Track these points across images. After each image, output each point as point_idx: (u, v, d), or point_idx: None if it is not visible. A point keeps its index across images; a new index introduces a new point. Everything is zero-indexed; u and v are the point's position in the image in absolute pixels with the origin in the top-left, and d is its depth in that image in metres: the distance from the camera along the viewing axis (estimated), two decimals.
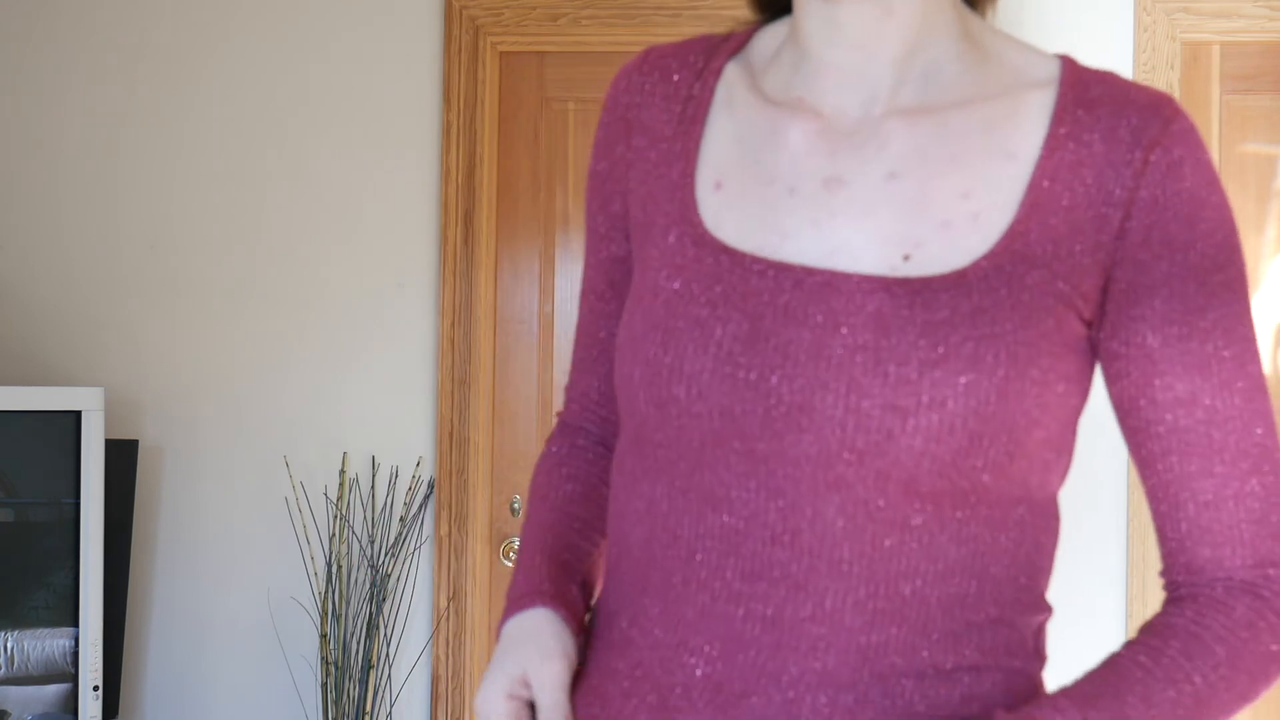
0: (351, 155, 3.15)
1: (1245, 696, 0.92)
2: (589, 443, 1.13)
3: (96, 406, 2.80)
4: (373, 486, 3.08)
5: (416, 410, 3.13)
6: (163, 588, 3.18)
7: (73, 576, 2.78)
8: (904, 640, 0.91)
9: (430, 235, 3.13)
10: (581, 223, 3.12)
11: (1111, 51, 2.99)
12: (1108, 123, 0.93)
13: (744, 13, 1.10)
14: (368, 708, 3.02)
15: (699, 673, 0.94)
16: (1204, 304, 0.92)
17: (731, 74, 1.03)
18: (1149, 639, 0.93)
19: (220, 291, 3.17)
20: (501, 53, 3.13)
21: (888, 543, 0.90)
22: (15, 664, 2.78)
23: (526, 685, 0.97)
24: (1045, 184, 0.92)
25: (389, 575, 3.03)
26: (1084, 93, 0.95)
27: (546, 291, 3.14)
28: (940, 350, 0.88)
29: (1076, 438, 0.97)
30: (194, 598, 3.16)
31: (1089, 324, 0.94)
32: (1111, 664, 0.93)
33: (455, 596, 3.09)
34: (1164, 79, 2.97)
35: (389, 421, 3.12)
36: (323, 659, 3.00)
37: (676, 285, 0.95)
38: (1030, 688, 0.96)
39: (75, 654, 2.79)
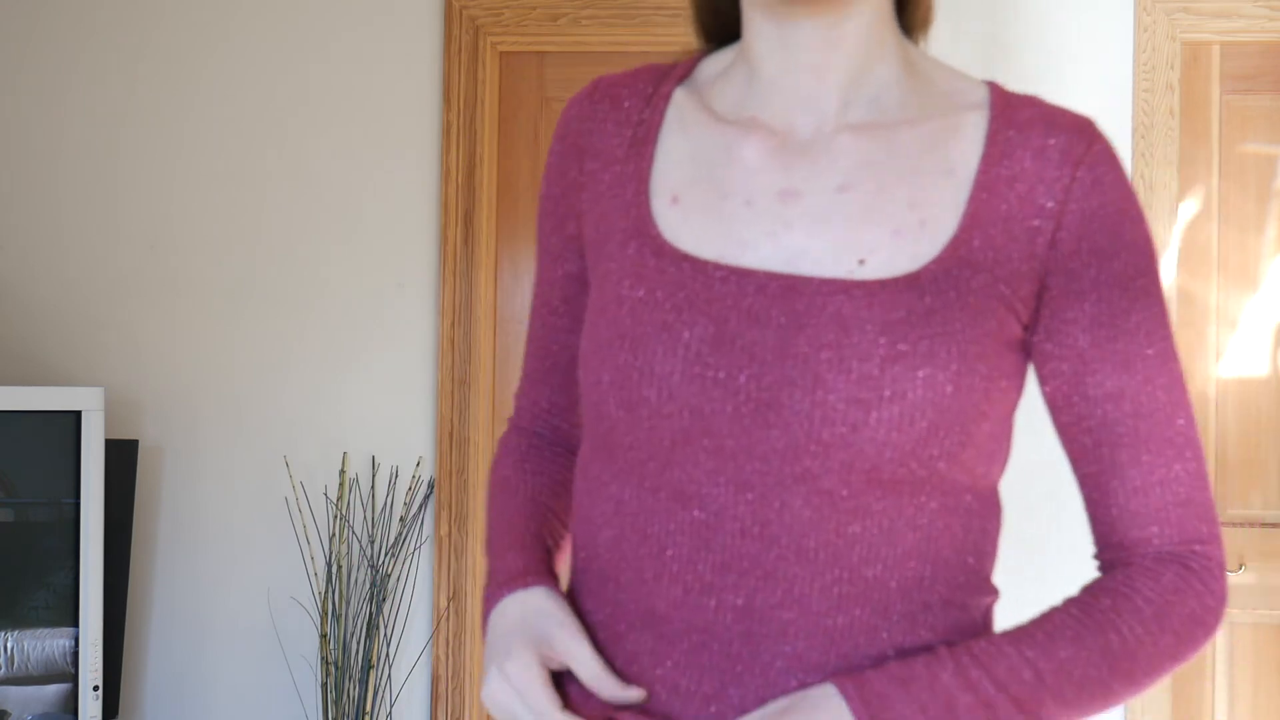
0: (351, 155, 3.15)
1: (1173, 656, 0.99)
2: (544, 444, 1.19)
3: (96, 406, 2.80)
4: (373, 486, 3.08)
5: (416, 410, 3.13)
6: (163, 588, 3.18)
7: (73, 576, 2.78)
8: (867, 622, 0.97)
9: (430, 235, 3.13)
10: None
11: (1111, 51, 2.99)
12: (1037, 143, 1.01)
13: (691, 40, 1.14)
14: (368, 708, 3.02)
15: (683, 662, 0.99)
16: (1128, 307, 1.00)
17: (680, 98, 1.09)
18: (1082, 596, 1.01)
19: (220, 291, 3.17)
20: (501, 53, 3.13)
21: (851, 530, 0.96)
22: (15, 664, 2.78)
23: (551, 654, 1.01)
24: (984, 197, 1.00)
25: (389, 575, 3.03)
26: (1013, 115, 1.03)
27: None
28: (900, 347, 0.95)
29: (1014, 432, 1.05)
30: (194, 598, 3.17)
31: (1025, 326, 1.01)
32: (1047, 615, 1.00)
33: (455, 596, 3.09)
34: (1164, 79, 2.97)
35: (389, 421, 3.12)
36: (323, 659, 3.00)
37: (640, 293, 1.00)
38: None
39: (75, 654, 2.79)
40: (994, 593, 1.05)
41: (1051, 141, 1.00)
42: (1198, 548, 1.01)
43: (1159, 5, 2.97)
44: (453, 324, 3.10)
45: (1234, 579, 2.97)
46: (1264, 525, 2.98)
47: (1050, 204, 0.99)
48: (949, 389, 0.95)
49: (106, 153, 3.19)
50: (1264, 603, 2.97)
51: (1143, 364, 1.00)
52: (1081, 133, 1.01)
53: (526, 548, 1.09)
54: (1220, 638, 2.97)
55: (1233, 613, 2.97)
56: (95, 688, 2.78)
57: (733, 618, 0.97)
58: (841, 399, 0.94)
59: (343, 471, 3.07)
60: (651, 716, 1.00)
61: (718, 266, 0.99)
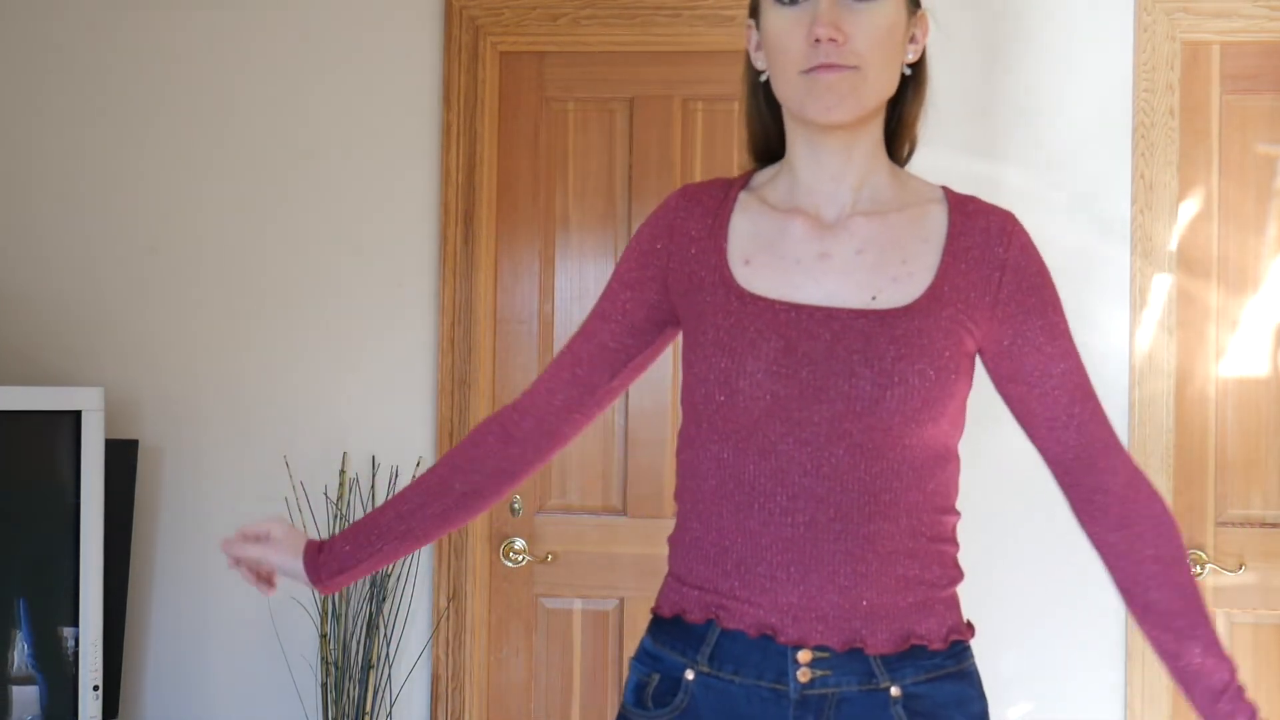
0: (352, 155, 3.15)
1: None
2: (507, 423, 1.68)
3: (96, 406, 2.80)
4: (373, 486, 3.09)
5: (416, 410, 3.13)
6: (163, 587, 3.18)
7: (73, 576, 2.78)
8: (886, 531, 1.48)
9: (430, 235, 3.13)
10: (582, 223, 3.13)
11: (1111, 51, 2.99)
12: (982, 225, 1.56)
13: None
14: (368, 708, 3.02)
15: (775, 561, 1.48)
16: (1056, 318, 1.56)
17: (743, 198, 1.62)
18: (1148, 534, 1.55)
19: (220, 291, 3.17)
20: (501, 53, 3.13)
21: (874, 469, 1.47)
22: (15, 664, 2.78)
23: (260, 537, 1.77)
24: (950, 259, 1.53)
25: (389, 575, 3.03)
26: (963, 207, 1.57)
27: (546, 291, 3.14)
28: (903, 350, 1.47)
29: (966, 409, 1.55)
30: (194, 597, 3.17)
31: (975, 341, 1.53)
32: (1167, 581, 1.63)
33: (455, 596, 3.09)
34: (1164, 79, 2.97)
35: (389, 421, 3.12)
36: (323, 659, 3.00)
37: (732, 321, 1.51)
38: (953, 562, 1.54)
39: (75, 654, 2.79)
40: (957, 514, 1.56)
41: (992, 223, 1.55)
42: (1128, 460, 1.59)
43: (1159, 5, 2.97)
44: (453, 324, 3.10)
45: (1234, 579, 2.97)
46: (1264, 525, 2.98)
47: (995, 261, 1.53)
48: (934, 378, 1.47)
49: (106, 153, 3.19)
50: (1264, 603, 2.97)
51: (1069, 351, 1.55)
52: (1008, 218, 1.57)
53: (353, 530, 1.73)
54: (1221, 637, 2.97)
55: (1233, 613, 2.97)
56: (95, 687, 2.79)
57: (803, 530, 1.47)
58: (867, 385, 1.45)
59: (343, 471, 3.07)
60: (752, 604, 1.48)
61: (782, 303, 1.50)
